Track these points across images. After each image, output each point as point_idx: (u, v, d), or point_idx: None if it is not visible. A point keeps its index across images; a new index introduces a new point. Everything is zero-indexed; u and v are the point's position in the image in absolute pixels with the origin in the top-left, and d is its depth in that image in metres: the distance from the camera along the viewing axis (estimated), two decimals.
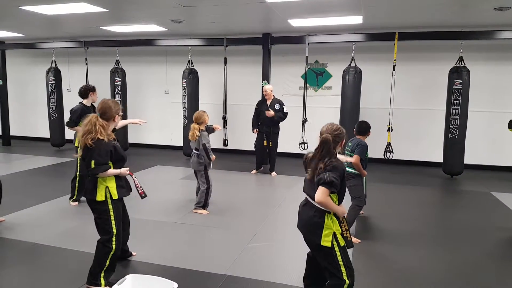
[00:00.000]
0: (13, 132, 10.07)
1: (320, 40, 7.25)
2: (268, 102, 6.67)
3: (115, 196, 2.84)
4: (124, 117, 8.37)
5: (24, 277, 3.13)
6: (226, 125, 7.72)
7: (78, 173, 4.93)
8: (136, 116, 8.97)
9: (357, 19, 6.18)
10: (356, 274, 2.45)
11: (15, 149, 9.24)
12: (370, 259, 3.53)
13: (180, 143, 8.42)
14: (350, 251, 3.47)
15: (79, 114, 4.78)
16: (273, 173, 6.90)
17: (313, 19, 6.18)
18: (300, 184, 5.91)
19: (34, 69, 10.08)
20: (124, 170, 2.90)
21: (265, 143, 6.75)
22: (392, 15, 5.95)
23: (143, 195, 3.06)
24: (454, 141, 6.57)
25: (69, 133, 9.16)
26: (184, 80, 7.90)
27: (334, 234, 2.32)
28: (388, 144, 6.78)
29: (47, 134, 9.42)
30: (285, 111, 6.64)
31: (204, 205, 4.73)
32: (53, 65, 8.97)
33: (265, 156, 6.96)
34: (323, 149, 2.34)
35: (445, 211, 5.15)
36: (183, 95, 7.99)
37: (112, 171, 2.81)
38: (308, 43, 7.18)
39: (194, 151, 4.70)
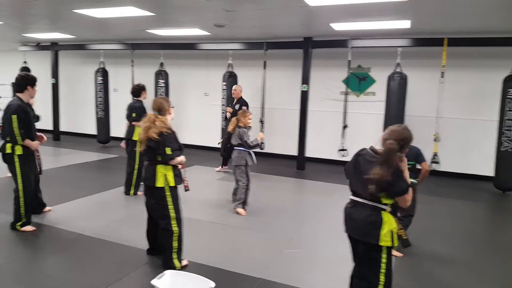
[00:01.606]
0: (62, 128, 10.65)
1: (364, 45, 7.08)
2: (235, 102, 7.11)
3: (172, 183, 3.14)
4: None
5: (68, 266, 3.26)
6: (263, 128, 7.71)
7: (136, 166, 5.25)
8: (178, 115, 9.22)
9: (405, 24, 5.97)
10: None
11: (64, 144, 9.75)
12: (413, 275, 3.37)
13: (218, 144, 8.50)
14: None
15: (143, 109, 5.27)
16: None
17: (357, 23, 6.04)
18: (339, 192, 5.86)
19: (84, 69, 10.60)
20: (184, 158, 3.27)
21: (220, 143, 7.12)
22: (443, 19, 5.70)
23: (187, 188, 3.33)
24: (507, 154, 6.15)
25: (115, 131, 9.56)
26: (224, 83, 7.99)
27: (392, 233, 2.24)
28: (435, 155, 6.48)
29: (94, 131, 9.86)
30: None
31: (245, 202, 4.77)
32: (101, 65, 9.39)
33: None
34: (387, 158, 2.23)
35: (496, 229, 4.83)
36: (222, 98, 8.08)
37: (180, 158, 3.19)
38: (351, 47, 7.04)
39: (235, 147, 4.78)
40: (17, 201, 3.90)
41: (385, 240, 2.22)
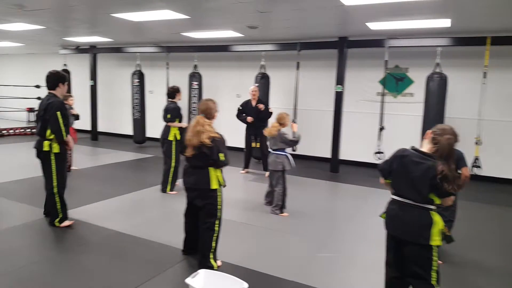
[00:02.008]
0: (100, 128, 11.02)
1: (402, 44, 6.86)
2: (254, 103, 6.95)
3: (223, 183, 3.27)
4: None
5: (103, 263, 3.34)
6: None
7: (173, 164, 5.43)
8: None
9: (445, 22, 5.75)
10: None
11: (102, 143, 10.09)
12: (452, 283, 3.20)
13: None
14: None
15: (178, 111, 5.46)
16: (267, 174, 6.86)
17: (394, 22, 5.87)
18: (375, 196, 5.71)
19: (121, 72, 10.94)
20: None
21: (253, 145, 7.13)
22: (486, 17, 5.43)
23: (224, 184, 3.37)
24: None
25: (150, 132, 9.80)
26: (256, 85, 7.99)
27: (441, 232, 2.29)
28: (476, 159, 6.18)
29: (130, 132, 10.15)
30: (270, 110, 6.93)
31: (282, 207, 4.75)
32: (138, 68, 9.64)
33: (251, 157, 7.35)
34: (447, 153, 2.27)
35: None
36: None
37: None
38: (388, 47, 6.85)
39: (272, 151, 4.74)
40: (51, 198, 4.00)
41: (435, 239, 2.26)
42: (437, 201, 2.29)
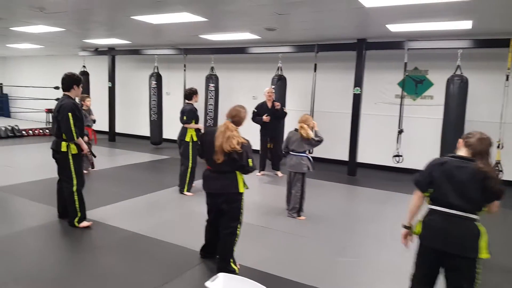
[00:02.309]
0: (118, 129, 11.15)
1: (421, 46, 6.75)
2: (269, 104, 6.92)
3: (247, 187, 3.28)
4: (215, 120, 8.83)
5: (120, 264, 3.36)
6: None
7: (190, 165, 5.49)
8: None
9: (466, 24, 5.63)
10: None
11: (119, 144, 10.21)
12: None
13: None
14: None
15: (195, 112, 5.50)
16: (280, 174, 7.07)
17: (415, 24, 5.78)
18: (393, 200, 5.61)
19: (139, 73, 11.06)
20: None
21: (269, 146, 7.17)
22: (508, 19, 5.29)
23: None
24: None
25: (167, 133, 9.87)
26: (273, 86, 7.96)
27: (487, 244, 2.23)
28: (497, 163, 6.02)
29: (147, 133, 10.25)
30: (284, 110, 7.02)
31: (299, 210, 4.71)
32: (155, 70, 9.73)
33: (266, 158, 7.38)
34: (480, 150, 2.28)
35: None
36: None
37: None
38: (408, 49, 6.74)
39: (291, 153, 4.70)
40: (70, 198, 4.04)
41: (483, 252, 2.19)
42: (485, 208, 2.23)
